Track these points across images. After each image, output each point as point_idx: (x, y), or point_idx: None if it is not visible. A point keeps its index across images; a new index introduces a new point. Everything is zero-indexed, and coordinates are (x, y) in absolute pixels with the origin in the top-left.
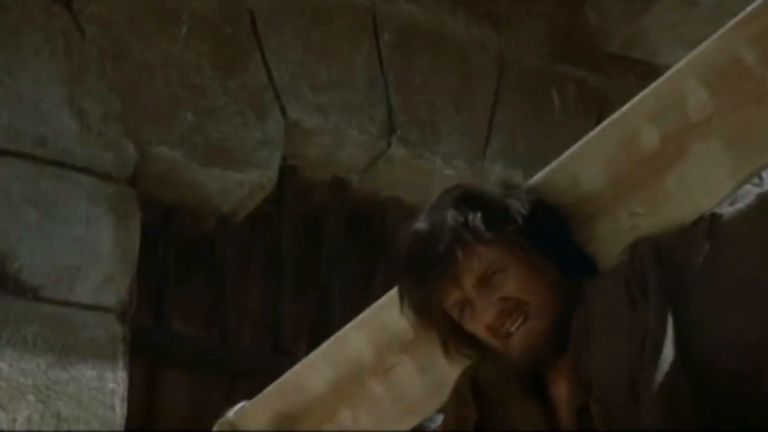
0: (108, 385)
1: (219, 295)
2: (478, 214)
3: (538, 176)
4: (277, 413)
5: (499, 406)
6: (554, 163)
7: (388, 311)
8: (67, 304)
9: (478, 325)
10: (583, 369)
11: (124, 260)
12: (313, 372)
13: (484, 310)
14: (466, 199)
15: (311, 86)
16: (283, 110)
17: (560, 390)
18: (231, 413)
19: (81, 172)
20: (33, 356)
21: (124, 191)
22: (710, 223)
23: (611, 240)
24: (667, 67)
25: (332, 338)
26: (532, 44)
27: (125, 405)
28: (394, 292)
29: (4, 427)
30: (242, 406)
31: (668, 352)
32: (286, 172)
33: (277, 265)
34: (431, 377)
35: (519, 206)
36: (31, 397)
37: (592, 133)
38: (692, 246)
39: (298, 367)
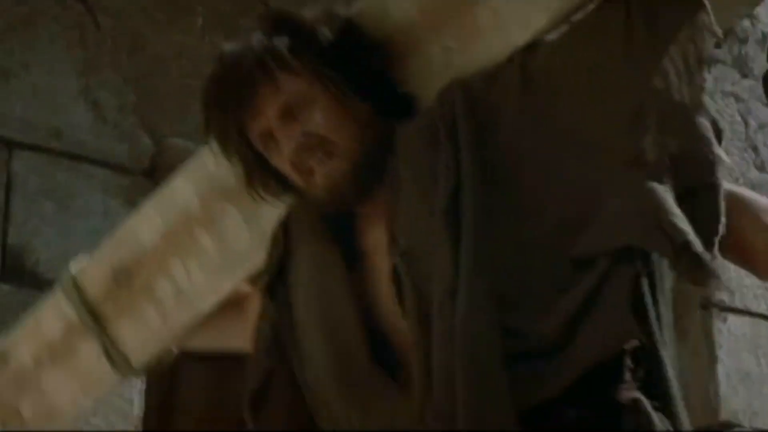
0: None
1: None
2: (285, 40)
3: (351, 9)
4: (114, 268)
5: (298, 246)
6: None
7: (212, 159)
8: None
9: (281, 159)
10: (392, 222)
11: None
12: (144, 223)
13: (285, 143)
14: (277, 24)
15: None
16: None
17: (373, 239)
18: (73, 269)
19: (96, 164)
20: None
21: (140, 183)
22: (522, 58)
23: (426, 78)
24: None
25: (161, 188)
26: None
27: (143, 397)
28: None
29: None
30: (84, 262)
31: (479, 199)
32: None
33: None
34: (257, 227)
35: (328, 34)
36: None
37: None
38: (503, 86)
39: (130, 219)
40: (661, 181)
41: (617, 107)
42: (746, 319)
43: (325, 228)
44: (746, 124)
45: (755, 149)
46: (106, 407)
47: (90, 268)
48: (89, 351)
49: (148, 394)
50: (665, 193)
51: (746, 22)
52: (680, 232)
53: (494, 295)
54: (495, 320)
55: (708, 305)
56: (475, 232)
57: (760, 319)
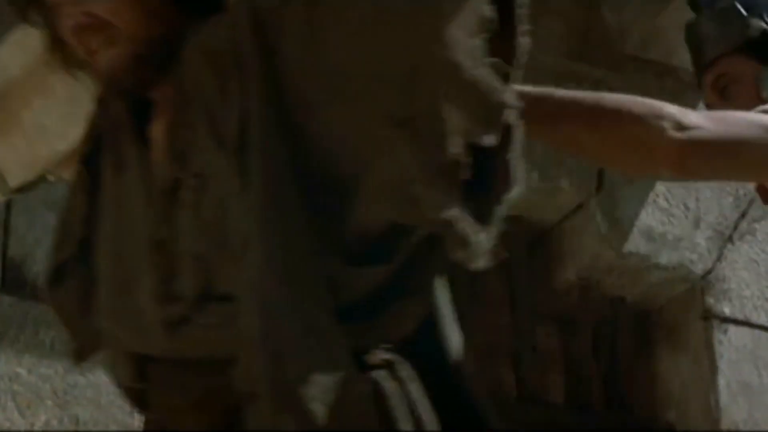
0: None
1: None
2: None
3: None
4: None
5: (109, 126)
6: None
7: None
8: None
9: (66, 34)
10: (180, 137)
11: None
12: (10, 54)
13: (66, 20)
14: None
15: None
16: None
17: (156, 132)
18: None
19: None
20: (51, 361)
21: None
22: None
23: None
24: (684, 67)
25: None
26: (549, 43)
27: None
28: None
29: None
30: None
31: (273, 142)
32: None
33: None
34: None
35: None
36: (49, 402)
37: None
38: (291, 12)
39: (1, 46)
40: (430, 147)
41: (393, 64)
42: (747, 330)
43: (129, 108)
44: None
45: None
46: (107, 419)
47: None
48: None
49: None
50: (430, 159)
51: None
52: (430, 204)
53: (287, 248)
54: (288, 275)
55: (709, 316)
56: (263, 179)
57: (760, 330)
